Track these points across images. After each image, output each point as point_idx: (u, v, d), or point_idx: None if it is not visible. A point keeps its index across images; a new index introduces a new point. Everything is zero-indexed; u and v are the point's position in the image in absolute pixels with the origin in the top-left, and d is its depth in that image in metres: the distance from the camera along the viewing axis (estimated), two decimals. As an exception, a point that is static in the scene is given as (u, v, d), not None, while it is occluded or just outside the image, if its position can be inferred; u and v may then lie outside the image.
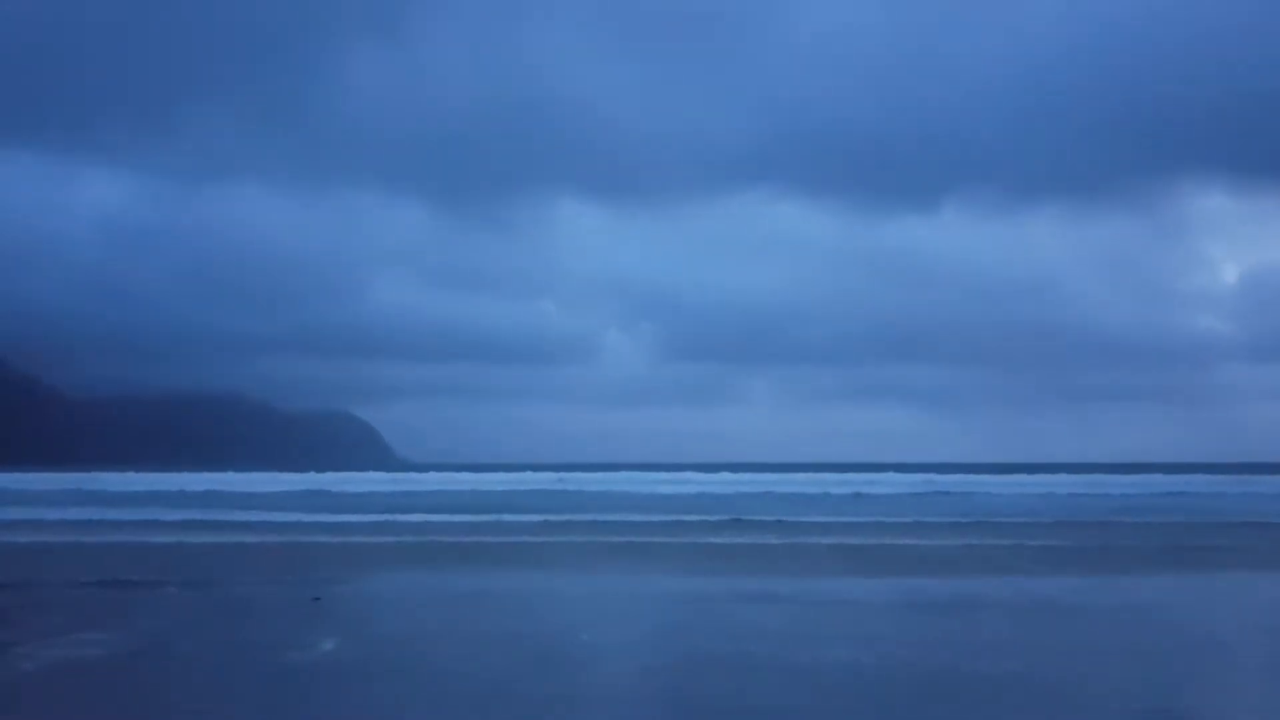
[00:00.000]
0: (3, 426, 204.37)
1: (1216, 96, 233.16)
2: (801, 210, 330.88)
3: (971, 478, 73.07)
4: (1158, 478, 73.12)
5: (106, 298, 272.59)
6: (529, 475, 78.66)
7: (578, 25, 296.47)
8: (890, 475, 76.01)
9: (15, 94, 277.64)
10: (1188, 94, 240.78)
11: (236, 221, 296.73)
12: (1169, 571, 25.30)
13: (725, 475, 78.32)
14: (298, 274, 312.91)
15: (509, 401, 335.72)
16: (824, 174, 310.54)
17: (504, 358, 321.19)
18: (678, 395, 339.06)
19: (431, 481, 71.24)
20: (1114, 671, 13.17)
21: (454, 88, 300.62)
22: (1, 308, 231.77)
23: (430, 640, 14.99)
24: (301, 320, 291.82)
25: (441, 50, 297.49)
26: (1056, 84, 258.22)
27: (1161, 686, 12.43)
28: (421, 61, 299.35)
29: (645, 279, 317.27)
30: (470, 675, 12.72)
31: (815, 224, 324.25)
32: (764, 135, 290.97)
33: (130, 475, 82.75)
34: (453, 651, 14.12)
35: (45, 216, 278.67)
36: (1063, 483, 66.60)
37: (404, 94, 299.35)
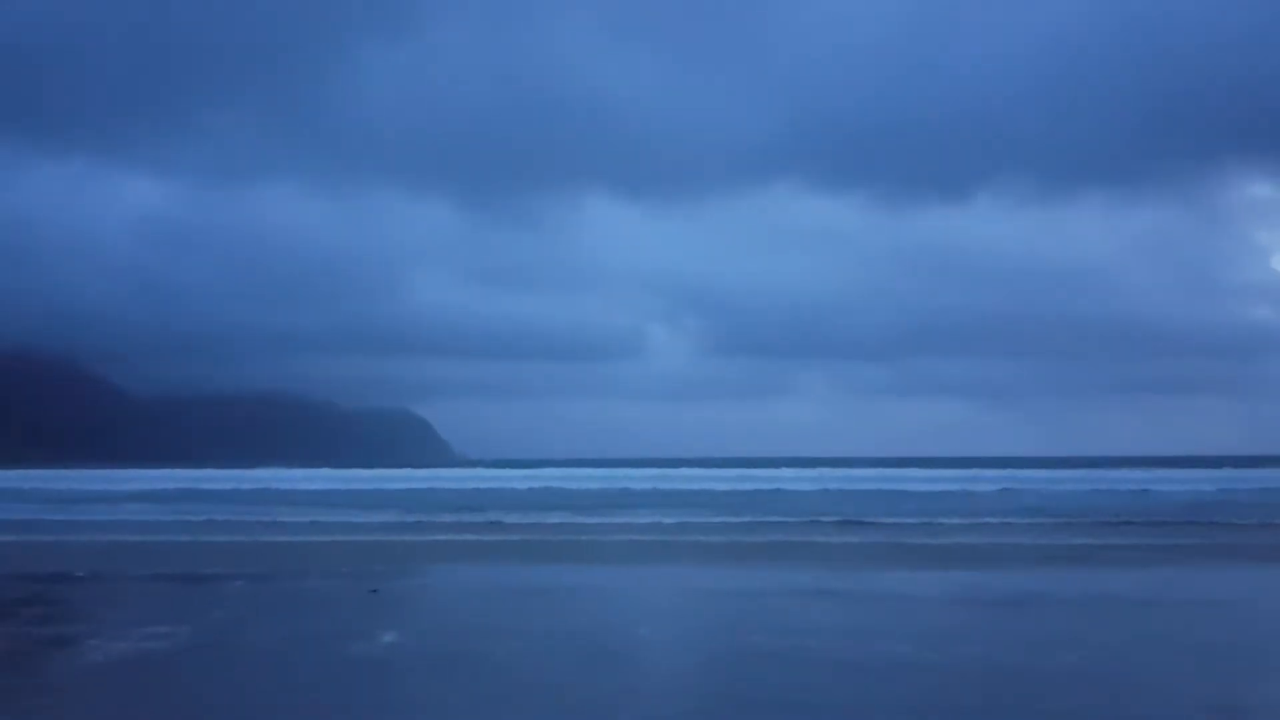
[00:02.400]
0: (72, 425, 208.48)
1: (1261, 81, 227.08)
2: (831, 202, 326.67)
3: (1040, 473, 72.11)
4: (1223, 472, 71.81)
5: (153, 299, 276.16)
6: (600, 472, 78.18)
7: (596, 19, 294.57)
8: (958, 471, 75.29)
9: (43, 100, 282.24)
10: (1231, 78, 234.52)
11: (269, 221, 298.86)
12: (1238, 568, 24.94)
13: (786, 471, 77.89)
14: (337, 273, 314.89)
15: (561, 398, 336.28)
16: (853, 165, 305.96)
17: (551, 354, 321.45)
18: (728, 390, 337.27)
19: (496, 479, 71.46)
20: (1180, 666, 13.05)
21: (473, 84, 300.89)
22: (62, 309, 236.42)
23: (489, 633, 15.11)
24: (346, 319, 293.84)
25: (460, 47, 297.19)
26: (1092, 68, 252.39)
27: (1228, 682, 12.29)
28: (441, 58, 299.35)
29: (681, 274, 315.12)
30: (526, 666, 12.83)
31: (845, 216, 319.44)
32: (788, 126, 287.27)
33: (196, 473, 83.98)
34: (510, 643, 14.22)
35: (82, 219, 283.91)
36: (1127, 478, 65.66)
37: (424, 91, 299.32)
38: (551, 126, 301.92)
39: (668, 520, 38.70)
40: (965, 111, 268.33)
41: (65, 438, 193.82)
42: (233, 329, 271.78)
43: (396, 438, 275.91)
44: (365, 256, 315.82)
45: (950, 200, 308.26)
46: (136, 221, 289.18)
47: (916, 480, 64.41)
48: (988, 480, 63.14)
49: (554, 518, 40.28)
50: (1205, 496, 51.39)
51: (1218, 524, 36.64)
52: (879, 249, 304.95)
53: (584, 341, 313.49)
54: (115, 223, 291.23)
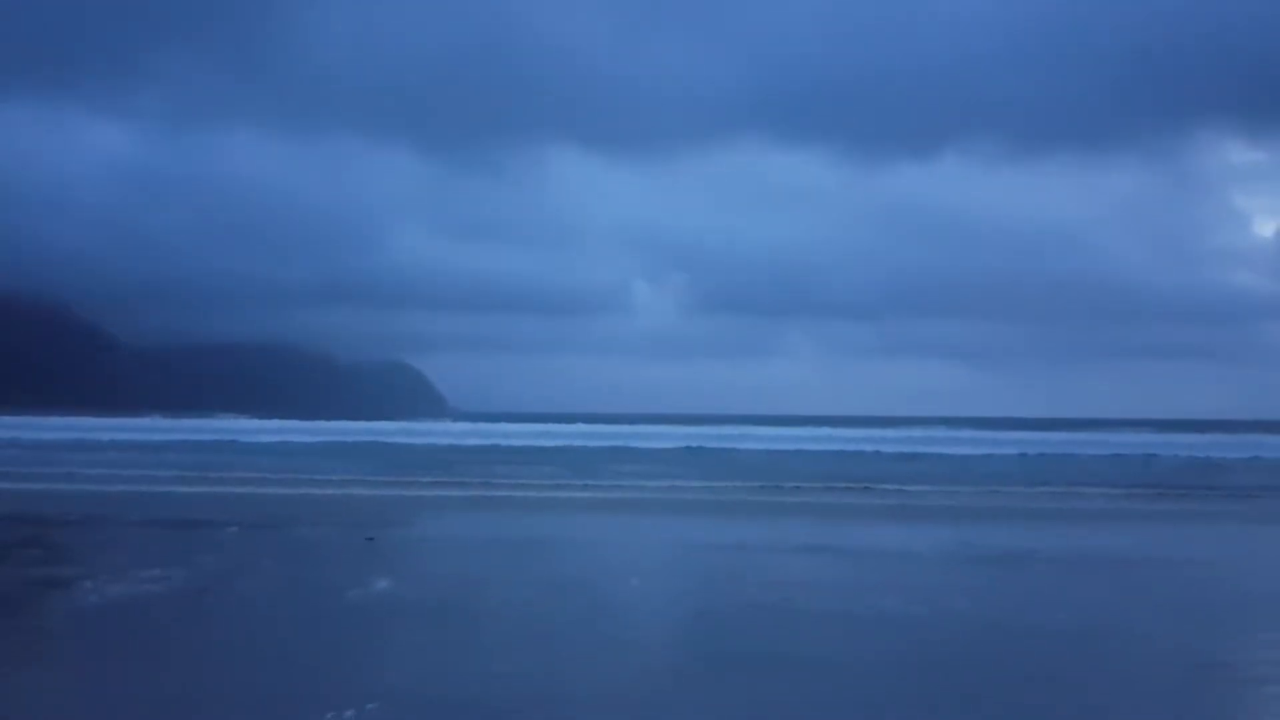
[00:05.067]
0: (69, 374, 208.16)
1: (1236, 43, 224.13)
2: (798, 157, 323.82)
3: (1033, 435, 72.11)
4: (1213, 437, 72.02)
5: (127, 245, 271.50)
6: (591, 428, 78.00)
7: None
8: (946, 431, 75.36)
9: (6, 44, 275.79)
10: (1206, 40, 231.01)
11: (235, 169, 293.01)
12: (1229, 529, 25.08)
13: (777, 429, 77.98)
14: (313, 223, 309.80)
15: (550, 352, 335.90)
16: (820, 120, 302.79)
17: (536, 308, 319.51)
18: (714, 348, 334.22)
19: (491, 434, 71.31)
20: (1166, 624, 13.16)
21: (434, 31, 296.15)
22: (40, 255, 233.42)
23: (482, 582, 15.19)
24: (329, 270, 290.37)
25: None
26: (1065, 27, 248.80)
27: (1212, 640, 12.38)
28: (404, 6, 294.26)
29: (656, 229, 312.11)
30: (518, 615, 12.91)
31: (814, 172, 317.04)
32: (755, 79, 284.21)
33: (190, 422, 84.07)
34: (503, 593, 14.32)
35: (46, 163, 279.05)
36: (1126, 441, 65.91)
37: (386, 38, 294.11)
38: (514, 76, 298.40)
39: (660, 478, 38.78)
40: (935, 68, 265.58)
41: (56, 384, 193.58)
42: (216, 277, 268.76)
43: (393, 391, 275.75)
44: (337, 207, 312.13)
45: (919, 158, 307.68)
46: (101, 166, 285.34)
47: (915, 441, 64.49)
48: (983, 443, 63.14)
49: (546, 472, 40.39)
50: (1204, 460, 51.64)
51: (1213, 487, 36.78)
52: (850, 206, 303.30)
53: (569, 297, 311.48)
54: (80, 167, 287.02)
